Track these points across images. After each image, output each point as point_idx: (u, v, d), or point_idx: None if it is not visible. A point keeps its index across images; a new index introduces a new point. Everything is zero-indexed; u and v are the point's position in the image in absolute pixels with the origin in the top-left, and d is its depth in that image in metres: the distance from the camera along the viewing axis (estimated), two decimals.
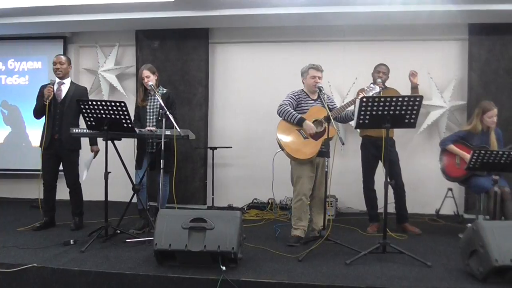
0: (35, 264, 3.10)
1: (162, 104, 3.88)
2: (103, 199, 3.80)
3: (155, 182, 4.17)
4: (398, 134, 4.57)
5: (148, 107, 4.26)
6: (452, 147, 4.25)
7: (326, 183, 3.62)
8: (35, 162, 5.68)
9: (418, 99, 3.28)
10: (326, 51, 5.47)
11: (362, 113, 3.32)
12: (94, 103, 3.61)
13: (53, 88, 4.17)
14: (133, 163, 4.23)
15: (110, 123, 3.65)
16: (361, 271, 3.08)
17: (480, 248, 2.88)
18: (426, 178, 5.26)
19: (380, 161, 4.31)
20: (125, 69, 5.93)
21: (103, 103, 3.61)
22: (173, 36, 5.72)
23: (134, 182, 4.14)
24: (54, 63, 4.29)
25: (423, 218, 5.03)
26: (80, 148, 4.40)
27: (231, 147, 5.58)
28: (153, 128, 4.02)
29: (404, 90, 4.45)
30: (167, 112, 3.80)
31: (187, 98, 5.69)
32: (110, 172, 3.76)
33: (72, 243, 3.67)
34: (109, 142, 3.78)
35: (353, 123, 3.62)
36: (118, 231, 3.87)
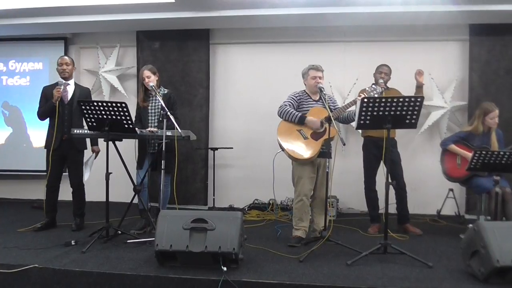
0: (36, 265, 3.10)
1: (163, 105, 3.88)
2: (104, 199, 3.80)
3: (156, 183, 4.17)
4: (399, 134, 4.57)
5: (149, 107, 4.27)
6: (453, 147, 4.25)
7: (327, 184, 3.62)
8: (36, 163, 5.70)
9: (419, 99, 3.28)
10: (327, 52, 5.47)
11: (363, 113, 3.32)
12: (95, 104, 3.62)
13: (61, 89, 4.18)
14: (134, 163, 4.23)
15: (111, 123, 3.66)
16: (362, 271, 3.08)
17: (481, 248, 2.88)
18: (427, 179, 5.26)
19: (382, 161, 4.30)
20: (126, 70, 5.94)
21: (104, 104, 3.61)
22: (174, 37, 5.72)
23: (135, 183, 4.15)
24: (60, 64, 4.31)
25: (424, 218, 5.03)
26: (86, 149, 4.42)
27: (232, 148, 5.57)
28: (154, 129, 4.03)
29: (405, 90, 4.45)
30: (168, 113, 3.81)
31: (188, 99, 5.70)
32: (111, 173, 3.77)
33: (73, 244, 3.67)
34: (110, 142, 3.78)
35: (354, 123, 3.62)
36: (119, 232, 3.87)
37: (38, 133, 5.96)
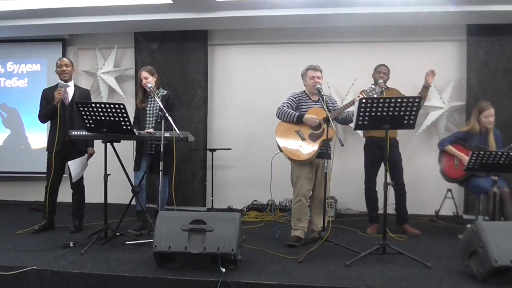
0: (35, 267, 3.09)
1: (162, 106, 3.88)
2: (103, 201, 3.80)
3: (154, 184, 4.16)
4: (398, 135, 4.57)
5: (147, 108, 4.26)
6: (450, 148, 4.26)
7: (325, 185, 3.62)
8: (35, 165, 5.69)
9: (417, 100, 3.29)
10: (325, 53, 5.47)
11: (361, 114, 3.33)
12: (93, 105, 3.61)
13: (62, 90, 4.18)
14: (132, 165, 4.22)
15: (109, 125, 3.65)
16: (361, 272, 3.08)
17: (479, 248, 2.88)
18: (426, 179, 5.26)
19: (383, 162, 4.31)
20: (124, 71, 5.93)
21: (102, 105, 3.60)
22: (172, 38, 5.73)
23: (133, 184, 4.14)
24: (59, 66, 4.30)
25: (422, 219, 5.03)
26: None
27: (230, 149, 5.57)
28: (151, 130, 4.03)
29: (402, 91, 4.48)
30: (167, 114, 3.81)
31: (186, 100, 5.69)
32: (109, 174, 3.76)
33: (71, 245, 3.66)
34: (108, 144, 3.77)
35: (352, 124, 3.62)
36: (118, 234, 3.86)
37: (36, 135, 5.97)
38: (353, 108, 3.62)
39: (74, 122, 4.24)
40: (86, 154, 4.36)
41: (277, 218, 5.10)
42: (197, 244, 3.01)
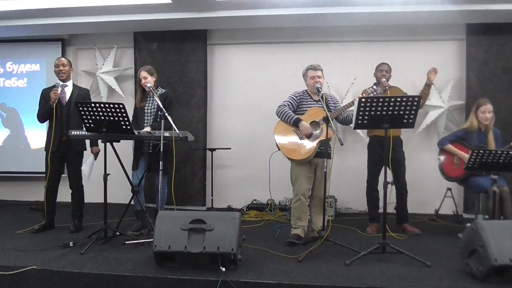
0: (35, 267, 3.09)
1: (161, 106, 3.88)
2: (102, 201, 3.80)
3: (154, 184, 4.16)
4: None
5: (145, 108, 4.26)
6: (450, 147, 4.26)
7: (325, 184, 3.62)
8: (34, 165, 5.69)
9: (416, 99, 3.29)
10: (325, 52, 5.47)
11: (361, 113, 3.33)
12: (93, 105, 3.61)
13: (59, 90, 4.17)
14: (131, 165, 4.22)
15: (109, 125, 3.65)
16: (361, 271, 3.08)
17: (479, 247, 2.88)
18: (425, 178, 5.27)
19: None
20: (124, 71, 5.93)
21: (102, 105, 3.60)
22: (172, 38, 5.72)
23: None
24: (57, 66, 4.30)
25: (422, 218, 5.03)
26: (86, 150, 4.42)
27: (230, 149, 5.57)
28: (148, 129, 4.03)
29: (403, 89, 4.47)
30: (166, 114, 3.80)
31: (186, 99, 5.69)
32: (109, 174, 3.76)
33: (71, 245, 3.66)
34: (108, 144, 3.77)
35: (352, 123, 3.61)
36: (118, 233, 3.86)
37: (35, 134, 5.96)
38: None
39: (71, 122, 4.23)
40: (93, 154, 4.36)
41: (277, 217, 5.10)
42: (197, 243, 3.01)
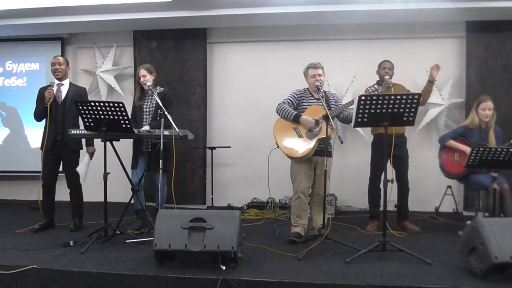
0: (35, 266, 3.09)
1: (160, 104, 3.87)
2: (102, 200, 3.80)
3: (153, 182, 4.16)
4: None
5: (144, 106, 4.26)
6: (452, 142, 4.25)
7: (325, 182, 3.61)
8: (34, 164, 5.68)
9: (416, 97, 3.29)
10: (324, 50, 5.46)
11: (361, 111, 3.33)
12: (92, 104, 3.60)
13: (53, 89, 4.16)
14: (131, 163, 4.22)
15: (109, 124, 3.65)
16: (361, 269, 3.08)
17: (479, 245, 2.89)
18: (425, 176, 5.26)
19: (389, 159, 4.29)
20: (123, 70, 5.92)
21: (101, 104, 3.60)
22: (171, 37, 5.72)
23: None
24: (53, 64, 4.29)
25: (422, 215, 5.03)
26: (82, 149, 4.40)
27: (230, 147, 5.57)
28: (147, 127, 4.03)
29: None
30: (166, 112, 3.80)
31: (186, 98, 5.69)
32: (109, 173, 3.76)
33: (71, 244, 3.67)
34: (108, 143, 3.77)
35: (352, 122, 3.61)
36: (118, 232, 3.87)
37: (35, 133, 5.94)
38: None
39: (66, 120, 4.21)
40: (88, 154, 4.35)
41: (277, 215, 5.11)
42: (197, 242, 3.01)
